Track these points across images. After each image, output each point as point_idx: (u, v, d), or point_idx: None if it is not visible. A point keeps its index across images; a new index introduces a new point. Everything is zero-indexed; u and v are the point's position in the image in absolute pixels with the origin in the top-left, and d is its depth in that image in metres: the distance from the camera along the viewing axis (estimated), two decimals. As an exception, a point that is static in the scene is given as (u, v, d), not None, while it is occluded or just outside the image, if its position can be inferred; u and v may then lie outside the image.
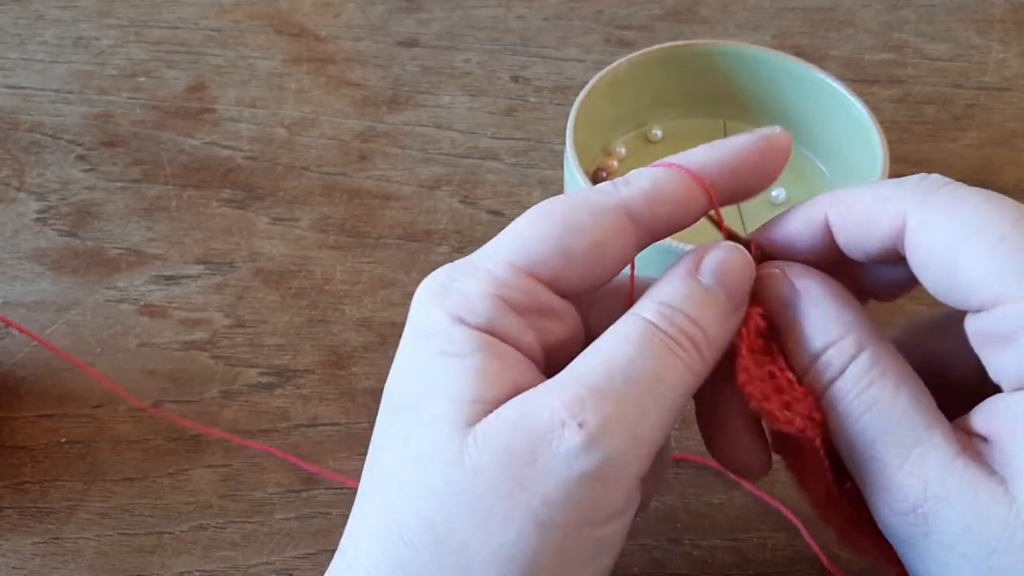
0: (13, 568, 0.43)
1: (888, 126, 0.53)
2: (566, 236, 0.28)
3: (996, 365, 0.28)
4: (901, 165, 0.59)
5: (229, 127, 0.62)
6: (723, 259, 0.30)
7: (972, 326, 0.28)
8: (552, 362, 0.29)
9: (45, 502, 0.45)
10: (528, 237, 0.29)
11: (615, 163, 0.57)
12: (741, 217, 0.54)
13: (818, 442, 0.30)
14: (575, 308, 0.30)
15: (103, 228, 0.56)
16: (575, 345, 0.30)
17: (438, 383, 0.28)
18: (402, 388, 0.29)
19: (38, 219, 0.57)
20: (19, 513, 0.44)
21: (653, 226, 0.30)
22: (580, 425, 0.26)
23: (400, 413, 0.29)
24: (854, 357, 0.29)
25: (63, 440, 0.47)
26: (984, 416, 0.28)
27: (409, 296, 0.30)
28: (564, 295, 0.29)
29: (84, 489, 0.45)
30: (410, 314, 0.30)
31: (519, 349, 0.28)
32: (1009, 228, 0.27)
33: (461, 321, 0.28)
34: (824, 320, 0.29)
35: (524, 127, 0.63)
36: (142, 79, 0.66)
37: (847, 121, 0.53)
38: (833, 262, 0.31)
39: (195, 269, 0.54)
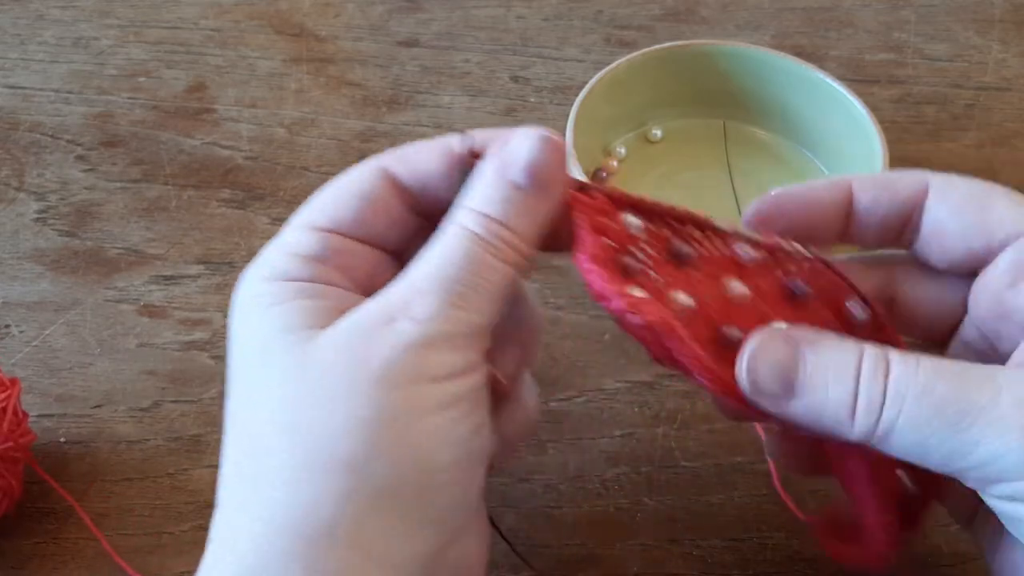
0: (13, 568, 0.43)
1: (888, 126, 0.53)
2: (338, 195, 0.34)
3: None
4: (901, 165, 0.58)
5: (229, 127, 0.62)
6: (530, 156, 0.32)
7: (993, 272, 0.32)
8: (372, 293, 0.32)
9: (45, 502, 0.45)
10: (317, 202, 0.34)
11: (615, 163, 0.57)
12: (740, 216, 0.54)
13: (682, 334, 0.31)
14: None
15: (103, 228, 0.56)
16: (392, 275, 0.32)
17: (269, 325, 0.31)
18: (239, 346, 0.32)
19: (38, 219, 0.57)
20: (19, 513, 0.44)
21: (412, 179, 0.34)
22: (409, 318, 0.30)
23: (240, 364, 0.32)
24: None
25: (63, 440, 0.47)
26: None
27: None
28: (371, 240, 0.34)
29: (84, 489, 0.45)
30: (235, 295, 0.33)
31: (332, 286, 0.32)
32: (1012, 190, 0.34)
33: (269, 279, 0.32)
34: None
35: (524, 127, 0.63)
36: (142, 79, 0.66)
37: (847, 121, 0.53)
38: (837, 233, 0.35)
39: (195, 269, 0.54)
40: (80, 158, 0.60)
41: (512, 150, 0.32)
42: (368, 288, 0.33)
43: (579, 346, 0.50)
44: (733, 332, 0.33)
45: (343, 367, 0.30)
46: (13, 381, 0.43)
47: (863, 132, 0.52)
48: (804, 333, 0.32)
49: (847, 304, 0.34)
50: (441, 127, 0.63)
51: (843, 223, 0.34)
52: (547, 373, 0.49)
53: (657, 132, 0.59)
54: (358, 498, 0.29)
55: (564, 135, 0.51)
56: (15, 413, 0.42)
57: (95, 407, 0.48)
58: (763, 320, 0.33)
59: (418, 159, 0.34)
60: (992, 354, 0.34)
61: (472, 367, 0.31)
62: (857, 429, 0.30)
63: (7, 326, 0.51)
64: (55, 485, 0.44)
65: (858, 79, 0.65)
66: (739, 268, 0.34)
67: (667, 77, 0.57)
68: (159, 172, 0.60)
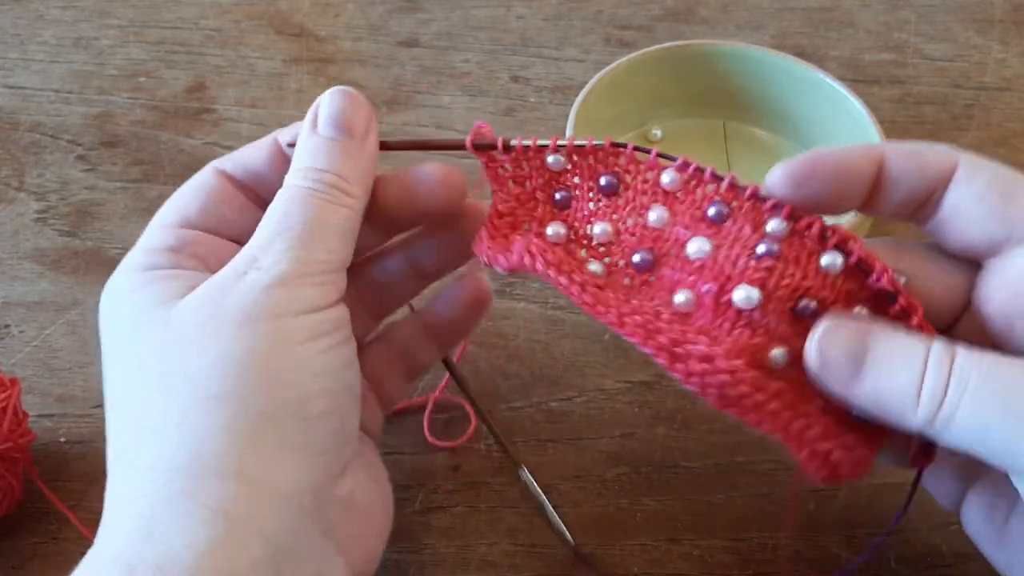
0: (13, 568, 0.43)
1: (888, 126, 0.53)
2: (183, 195, 0.38)
3: None
4: (901, 165, 0.59)
5: (229, 127, 0.62)
6: (329, 107, 0.36)
7: (1013, 268, 0.32)
8: None
9: (45, 502, 0.45)
10: (167, 205, 0.38)
11: (615, 163, 0.57)
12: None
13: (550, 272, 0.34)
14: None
15: (103, 228, 0.56)
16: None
17: (132, 305, 0.34)
18: (108, 331, 0.35)
19: (38, 219, 0.57)
20: (19, 513, 0.44)
21: (243, 172, 0.38)
22: (257, 269, 0.32)
23: (110, 344, 0.34)
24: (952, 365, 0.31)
25: (63, 440, 0.47)
26: None
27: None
28: (220, 229, 0.37)
29: (84, 489, 0.45)
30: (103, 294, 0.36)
31: (188, 269, 0.35)
32: None
33: (127, 271, 0.35)
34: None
35: (524, 127, 0.63)
36: (142, 79, 0.66)
37: (847, 121, 0.53)
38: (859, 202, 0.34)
39: (195, 269, 0.54)
40: (80, 158, 0.60)
41: (314, 109, 0.36)
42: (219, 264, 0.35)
43: (579, 346, 0.50)
44: (645, 255, 0.35)
45: (203, 317, 0.32)
46: (13, 381, 0.43)
47: (863, 132, 0.52)
48: (874, 323, 0.32)
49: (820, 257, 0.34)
50: (441, 127, 0.63)
51: (869, 191, 0.34)
52: (547, 373, 0.49)
53: (657, 132, 0.59)
54: (237, 431, 0.30)
55: (564, 135, 0.51)
56: (15, 413, 0.42)
57: (95, 407, 0.48)
58: (678, 244, 0.34)
59: (246, 154, 0.38)
60: (995, 350, 0.34)
61: (329, 302, 0.33)
62: (920, 414, 0.31)
63: (7, 326, 0.51)
64: (49, 495, 0.44)
65: (858, 79, 0.65)
66: (666, 196, 0.35)
67: (667, 77, 0.57)
68: (159, 172, 0.60)
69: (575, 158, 0.37)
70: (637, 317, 0.32)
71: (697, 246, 0.34)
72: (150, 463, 0.31)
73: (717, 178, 0.34)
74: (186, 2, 0.71)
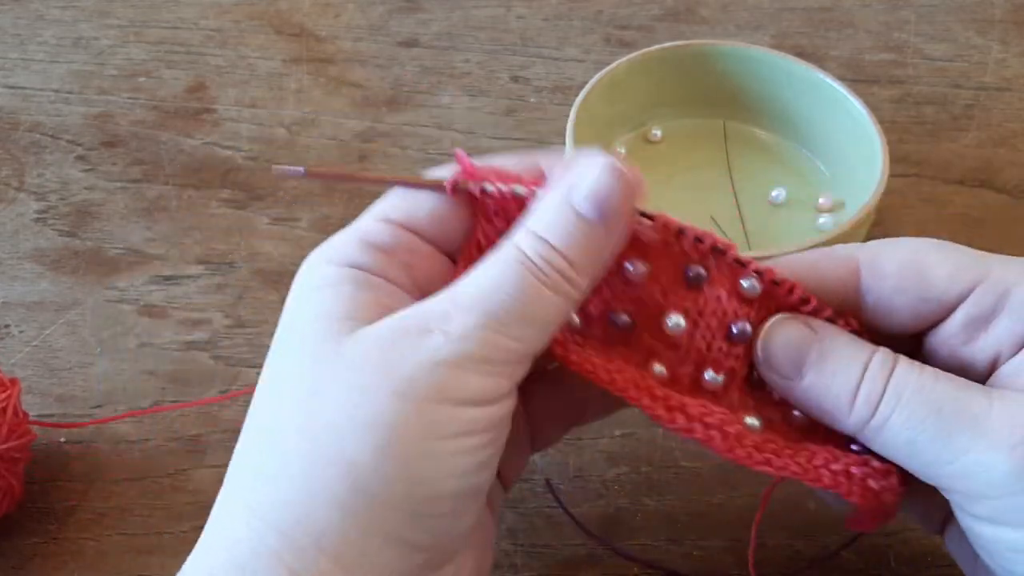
0: (13, 568, 0.43)
1: (888, 126, 0.53)
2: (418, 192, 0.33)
3: (986, 344, 0.32)
4: (901, 165, 0.59)
5: (229, 127, 0.62)
6: (597, 184, 0.30)
7: (946, 331, 0.32)
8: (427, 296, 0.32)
9: (45, 502, 0.45)
10: (395, 195, 0.34)
11: (615, 163, 0.56)
12: (740, 216, 0.54)
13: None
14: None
15: (103, 228, 0.56)
16: (447, 282, 0.32)
17: (311, 309, 0.31)
18: (283, 327, 0.32)
19: (38, 219, 0.57)
20: (19, 513, 0.44)
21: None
22: (443, 333, 0.29)
23: (277, 346, 0.32)
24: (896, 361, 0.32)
25: (63, 440, 0.47)
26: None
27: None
28: (441, 243, 0.33)
29: (84, 489, 0.45)
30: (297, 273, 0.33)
31: (389, 281, 0.32)
32: (946, 240, 0.33)
33: (330, 261, 0.32)
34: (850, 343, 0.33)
35: (524, 127, 0.63)
36: (142, 79, 0.66)
37: (847, 121, 0.53)
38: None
39: (195, 269, 0.54)
40: (80, 158, 0.60)
41: (579, 175, 0.31)
42: (427, 291, 0.32)
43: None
44: (621, 317, 0.34)
45: (369, 371, 0.29)
46: (13, 381, 0.43)
47: (863, 132, 0.52)
48: (823, 323, 0.33)
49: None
50: (441, 127, 0.63)
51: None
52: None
53: (657, 132, 0.58)
54: (352, 509, 0.29)
55: (564, 135, 0.51)
56: (15, 413, 0.42)
57: (95, 407, 0.48)
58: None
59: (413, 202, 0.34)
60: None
61: (499, 397, 0.30)
62: (853, 418, 0.31)
63: (7, 326, 0.51)
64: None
65: (858, 79, 0.65)
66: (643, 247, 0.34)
67: (667, 77, 0.57)
68: (159, 172, 0.60)
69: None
70: (626, 375, 0.33)
71: (675, 322, 0.34)
72: (257, 506, 0.29)
73: (699, 239, 0.34)
74: (186, 2, 0.71)
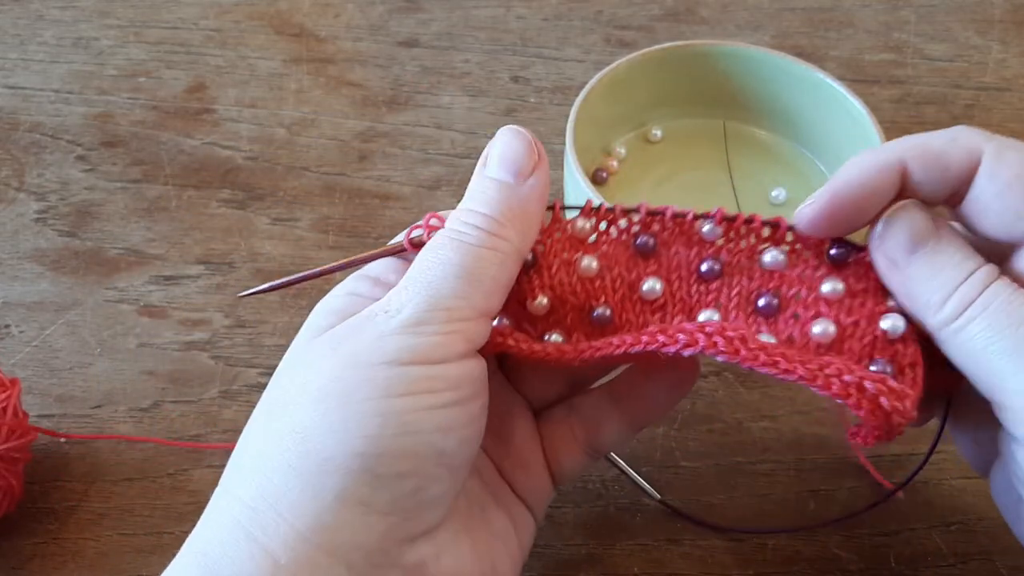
0: (13, 568, 0.43)
1: (888, 126, 0.53)
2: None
3: None
4: (901, 165, 0.59)
5: (229, 127, 0.62)
6: (499, 149, 0.34)
7: None
8: None
9: (45, 502, 0.45)
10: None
11: (615, 163, 0.57)
12: (739, 209, 0.54)
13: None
14: None
15: (103, 228, 0.56)
16: None
17: (304, 327, 0.34)
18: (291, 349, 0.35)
19: (38, 219, 0.57)
20: (19, 513, 0.44)
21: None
22: (384, 312, 0.32)
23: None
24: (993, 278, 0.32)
25: (63, 440, 0.47)
26: None
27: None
28: None
29: (84, 489, 0.45)
30: None
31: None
32: None
33: (335, 292, 0.35)
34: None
35: (524, 127, 0.62)
36: (142, 79, 0.66)
37: (847, 121, 0.53)
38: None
39: (195, 269, 0.54)
40: (80, 158, 0.60)
41: (487, 151, 0.35)
42: None
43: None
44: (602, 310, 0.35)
45: (321, 354, 0.32)
46: (13, 381, 0.43)
47: (863, 132, 0.52)
48: (945, 221, 0.33)
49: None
50: (441, 127, 0.63)
51: (892, 199, 0.34)
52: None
53: (657, 132, 0.58)
54: (303, 471, 0.30)
55: (564, 135, 0.51)
56: (15, 413, 0.42)
57: (95, 407, 0.48)
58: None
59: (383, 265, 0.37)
60: None
61: (454, 355, 0.31)
62: (939, 316, 0.32)
63: (7, 326, 0.51)
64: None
65: (858, 79, 0.65)
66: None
67: (667, 77, 0.57)
68: (159, 172, 0.60)
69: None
70: (644, 336, 0.33)
71: (649, 287, 0.35)
72: (229, 486, 0.31)
73: (627, 210, 0.35)
74: (186, 2, 0.71)
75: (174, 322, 0.52)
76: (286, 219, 0.57)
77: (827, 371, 0.32)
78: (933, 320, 0.32)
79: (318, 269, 0.37)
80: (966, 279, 0.32)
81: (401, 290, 0.32)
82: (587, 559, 0.43)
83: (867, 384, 0.32)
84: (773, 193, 0.55)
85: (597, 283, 0.35)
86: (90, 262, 0.55)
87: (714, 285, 0.34)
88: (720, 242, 0.35)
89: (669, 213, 0.35)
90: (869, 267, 0.34)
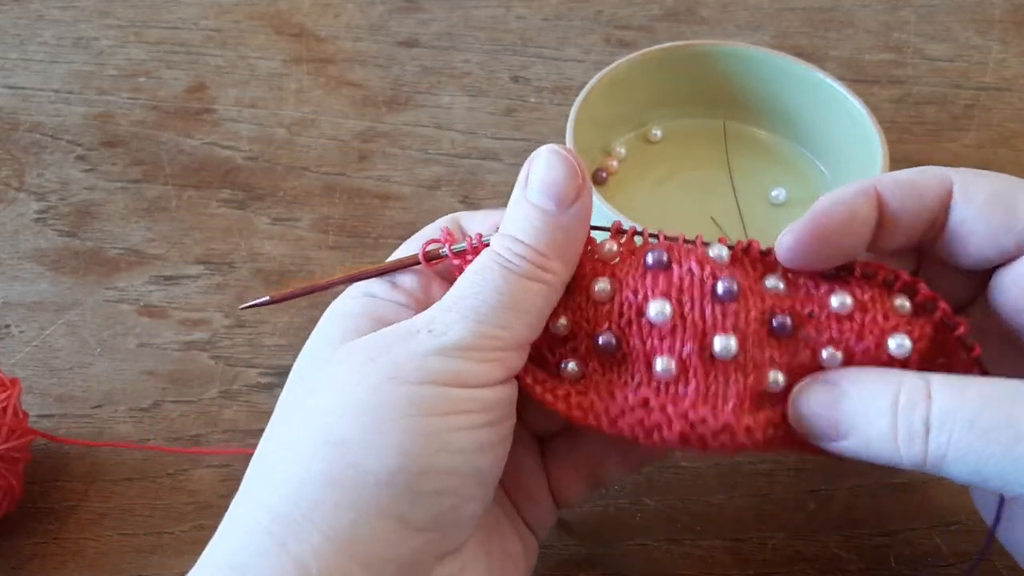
0: (13, 568, 0.43)
1: (888, 126, 0.53)
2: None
3: None
4: (901, 165, 0.58)
5: (229, 127, 0.62)
6: (543, 173, 0.33)
7: (1021, 269, 0.33)
8: None
9: (45, 502, 0.45)
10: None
11: (615, 163, 0.57)
12: (741, 216, 0.54)
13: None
14: None
15: (103, 228, 0.56)
16: None
17: (321, 327, 0.34)
18: (304, 349, 0.35)
19: (38, 219, 0.57)
20: (19, 513, 0.44)
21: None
22: (428, 331, 0.31)
23: (296, 363, 0.35)
24: None
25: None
26: None
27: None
28: None
29: (84, 489, 0.45)
30: None
31: (401, 306, 0.35)
32: None
33: (350, 293, 0.36)
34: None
35: (524, 127, 0.63)
36: (142, 79, 0.66)
37: (847, 121, 0.53)
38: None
39: (195, 269, 0.54)
40: (80, 158, 0.60)
41: (527, 166, 0.34)
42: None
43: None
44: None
45: (358, 362, 0.31)
46: (13, 381, 0.43)
47: (863, 132, 0.52)
48: (844, 372, 0.32)
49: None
50: (441, 127, 0.63)
51: (872, 232, 0.34)
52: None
53: (657, 132, 0.58)
54: (342, 484, 0.29)
55: (564, 135, 0.51)
56: (15, 413, 0.42)
57: (95, 407, 0.48)
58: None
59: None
60: (1009, 340, 0.34)
61: (491, 381, 0.32)
62: (905, 459, 0.31)
63: (7, 326, 0.51)
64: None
65: (858, 79, 0.65)
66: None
67: (667, 77, 0.57)
68: (159, 172, 0.60)
69: None
70: (629, 419, 0.33)
71: (657, 310, 0.33)
72: (256, 493, 0.31)
73: (652, 235, 0.35)
74: (186, 2, 0.71)
75: (174, 322, 0.52)
76: (286, 219, 0.57)
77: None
78: (907, 465, 0.31)
79: (322, 281, 0.37)
80: (895, 408, 0.31)
81: (447, 311, 0.32)
82: (587, 559, 0.43)
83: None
84: (773, 193, 0.55)
85: (607, 307, 0.34)
86: (90, 262, 0.55)
87: (731, 307, 0.33)
88: (726, 262, 0.34)
89: (681, 239, 0.34)
90: (871, 271, 0.34)
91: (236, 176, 0.59)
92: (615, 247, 0.34)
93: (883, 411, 0.31)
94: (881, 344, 0.33)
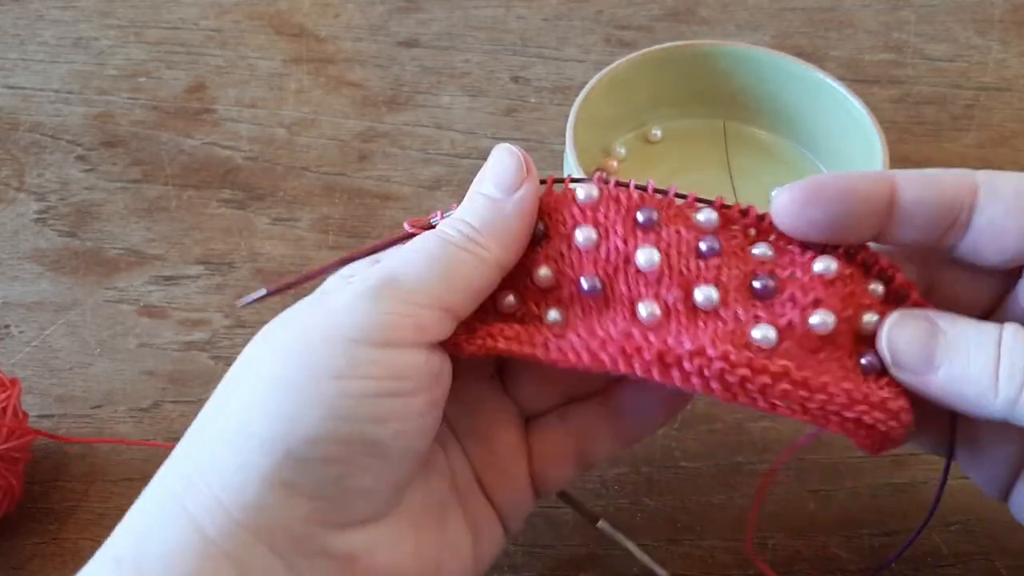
0: (13, 568, 0.43)
1: (888, 126, 0.53)
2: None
3: None
4: (901, 165, 0.59)
5: (229, 127, 0.62)
6: (490, 165, 0.35)
7: None
8: None
9: (45, 502, 0.45)
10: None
11: (615, 163, 0.57)
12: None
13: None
14: None
15: (103, 228, 0.56)
16: None
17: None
18: None
19: (38, 219, 0.57)
20: (19, 513, 0.44)
21: None
22: (338, 290, 0.32)
23: None
24: None
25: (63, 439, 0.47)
26: None
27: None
28: None
29: (84, 489, 0.45)
30: None
31: None
32: None
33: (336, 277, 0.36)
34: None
35: (524, 127, 0.63)
36: (142, 79, 0.66)
37: (847, 121, 0.53)
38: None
39: (195, 269, 0.54)
40: (80, 158, 0.60)
41: (485, 167, 0.35)
42: None
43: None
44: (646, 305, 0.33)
45: (277, 324, 0.32)
46: (13, 381, 0.43)
47: (863, 132, 0.52)
48: (935, 312, 0.33)
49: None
50: (441, 127, 0.63)
51: (883, 220, 0.33)
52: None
53: (657, 132, 0.58)
54: (232, 445, 0.30)
55: (564, 135, 0.51)
56: (15, 413, 0.42)
57: (95, 407, 0.48)
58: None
59: None
60: None
61: (396, 339, 0.31)
62: (1000, 400, 0.31)
63: (7, 326, 0.52)
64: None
65: (858, 79, 0.65)
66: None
67: (667, 77, 0.57)
68: (159, 172, 0.60)
69: None
70: (610, 348, 0.32)
71: (646, 256, 0.33)
72: (170, 461, 0.32)
73: (640, 187, 0.34)
74: (186, 2, 0.71)
75: (174, 322, 0.52)
76: (286, 219, 0.57)
77: (829, 408, 0.32)
78: (996, 407, 0.31)
79: (317, 268, 0.36)
80: (999, 350, 0.31)
81: (367, 266, 0.33)
82: (587, 559, 0.43)
83: (865, 419, 0.32)
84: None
85: (591, 255, 0.34)
86: (90, 262, 0.55)
87: (713, 262, 0.33)
88: (715, 226, 0.34)
89: (672, 192, 0.34)
90: (853, 250, 0.34)
91: (236, 176, 0.59)
92: (595, 191, 0.34)
93: (986, 346, 0.31)
94: (857, 317, 0.33)
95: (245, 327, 0.52)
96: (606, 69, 0.54)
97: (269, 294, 0.37)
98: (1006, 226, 0.32)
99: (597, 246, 0.34)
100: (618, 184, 0.35)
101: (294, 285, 0.37)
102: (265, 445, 0.29)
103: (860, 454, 0.46)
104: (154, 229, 0.56)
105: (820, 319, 0.32)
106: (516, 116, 0.63)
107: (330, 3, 0.72)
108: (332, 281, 0.35)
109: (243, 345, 0.50)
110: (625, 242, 0.34)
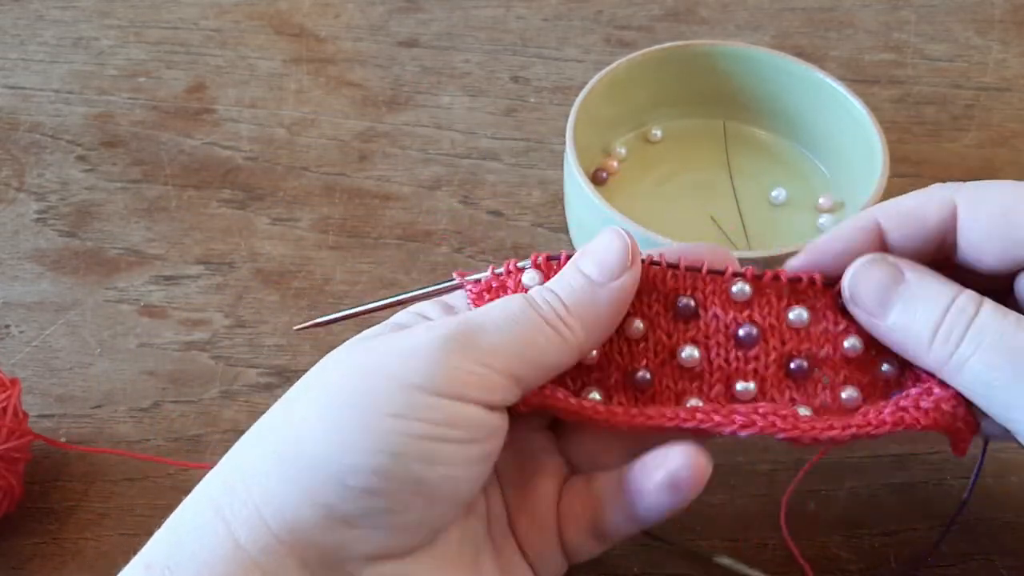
0: (13, 568, 0.43)
1: (888, 126, 0.53)
2: None
3: None
4: (901, 165, 0.59)
5: (229, 127, 0.62)
6: (595, 245, 0.34)
7: None
8: None
9: (45, 502, 0.45)
10: None
11: (615, 163, 0.57)
12: (741, 216, 0.54)
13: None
14: None
15: (103, 228, 0.56)
16: None
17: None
18: None
19: (38, 219, 0.57)
20: (19, 513, 0.44)
21: None
22: (428, 327, 0.32)
23: None
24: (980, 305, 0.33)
25: (63, 440, 0.47)
26: None
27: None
28: None
29: (84, 489, 0.45)
30: None
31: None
32: None
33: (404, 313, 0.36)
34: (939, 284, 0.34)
35: (524, 127, 0.63)
36: (142, 79, 0.66)
37: (847, 121, 0.53)
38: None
39: (195, 269, 0.54)
40: (80, 158, 0.60)
41: (590, 244, 0.35)
42: None
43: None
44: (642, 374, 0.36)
45: (352, 347, 0.33)
46: (13, 381, 0.43)
47: (863, 132, 0.52)
48: (910, 263, 0.34)
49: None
50: (441, 127, 0.63)
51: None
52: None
53: (657, 132, 0.59)
54: (281, 460, 0.30)
55: (564, 135, 0.51)
56: (15, 413, 0.42)
57: (95, 407, 0.48)
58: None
59: None
60: None
61: (456, 391, 0.30)
62: (932, 355, 0.33)
63: (7, 326, 0.51)
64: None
65: (858, 79, 0.65)
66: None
67: (667, 77, 0.57)
68: (159, 172, 0.60)
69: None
70: (668, 413, 0.35)
71: (688, 353, 0.35)
72: (220, 467, 0.33)
73: (672, 265, 0.36)
74: (186, 2, 0.71)
75: (174, 322, 0.52)
76: (286, 219, 0.57)
77: (869, 418, 0.34)
78: (929, 361, 0.33)
79: (381, 302, 0.37)
80: (945, 314, 0.33)
81: (454, 316, 0.33)
82: (587, 559, 0.43)
83: (902, 403, 0.34)
84: (773, 193, 0.55)
85: (640, 345, 0.36)
86: (90, 262, 0.55)
87: (752, 352, 0.35)
88: (749, 297, 0.36)
89: (705, 269, 0.36)
90: None
91: (236, 176, 0.59)
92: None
93: (936, 306, 0.33)
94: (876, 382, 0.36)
95: (245, 327, 0.52)
96: (606, 69, 0.54)
97: (324, 323, 0.38)
98: (985, 248, 0.34)
99: (645, 337, 0.36)
100: (651, 263, 0.35)
101: (351, 317, 0.38)
102: (312, 465, 0.30)
103: (860, 454, 0.46)
104: (154, 229, 0.56)
105: (848, 395, 0.35)
106: (516, 116, 0.63)
107: (330, 3, 0.72)
108: (405, 317, 0.35)
109: (244, 345, 0.51)
110: (669, 336, 0.36)
